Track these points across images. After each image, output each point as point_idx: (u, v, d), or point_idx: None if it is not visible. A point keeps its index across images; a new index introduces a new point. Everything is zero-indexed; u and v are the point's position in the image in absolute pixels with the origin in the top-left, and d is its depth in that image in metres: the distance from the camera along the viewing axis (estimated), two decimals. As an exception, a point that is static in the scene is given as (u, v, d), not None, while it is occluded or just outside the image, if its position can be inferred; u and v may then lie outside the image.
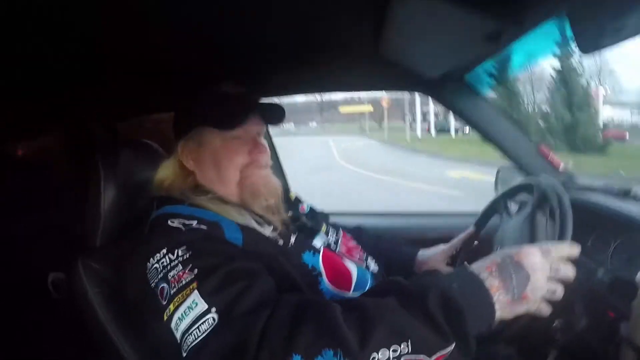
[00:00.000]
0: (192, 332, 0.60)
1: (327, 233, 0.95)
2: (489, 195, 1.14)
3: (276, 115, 0.88)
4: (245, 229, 0.75)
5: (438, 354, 0.55)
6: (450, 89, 1.29)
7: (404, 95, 18.54)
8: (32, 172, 1.84)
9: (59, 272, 1.46)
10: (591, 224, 0.94)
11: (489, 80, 1.28)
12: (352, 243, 1.00)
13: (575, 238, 0.79)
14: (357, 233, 1.09)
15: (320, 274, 0.79)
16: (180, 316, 0.61)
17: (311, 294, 0.76)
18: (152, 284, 0.67)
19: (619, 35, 0.61)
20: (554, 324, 0.84)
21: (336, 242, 0.94)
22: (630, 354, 0.67)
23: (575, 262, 0.93)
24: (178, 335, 0.62)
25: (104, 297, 0.82)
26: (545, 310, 0.64)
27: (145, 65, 1.02)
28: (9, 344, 1.44)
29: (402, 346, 0.54)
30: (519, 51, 0.99)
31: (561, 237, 0.78)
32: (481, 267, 0.62)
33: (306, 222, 0.94)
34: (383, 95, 19.13)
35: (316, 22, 0.83)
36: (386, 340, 0.54)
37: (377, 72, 1.24)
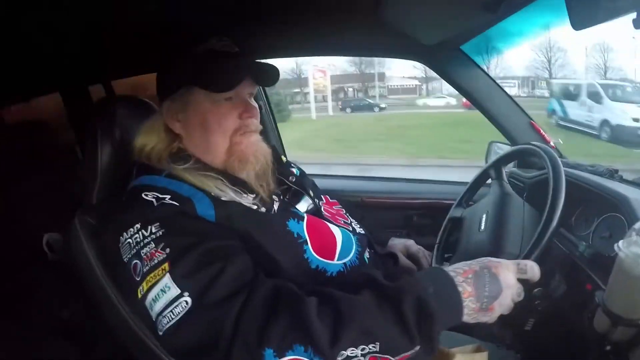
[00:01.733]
0: (166, 314, 0.60)
1: (312, 198, 0.93)
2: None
3: (270, 76, 0.83)
4: (219, 204, 0.72)
5: (402, 355, 0.58)
6: (446, 58, 1.28)
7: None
8: (29, 133, 1.81)
9: (54, 233, 1.47)
10: (577, 200, 0.96)
11: (485, 51, 1.28)
12: (336, 207, 0.99)
13: (561, 213, 0.81)
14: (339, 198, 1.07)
15: (305, 241, 0.77)
16: (154, 297, 0.62)
17: (296, 262, 0.75)
18: (125, 259, 0.67)
19: (612, 12, 0.60)
20: (534, 292, 0.86)
21: (320, 207, 0.92)
22: (605, 320, 0.69)
23: (558, 235, 0.96)
24: (153, 315, 0.63)
25: (100, 252, 0.82)
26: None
27: (139, 23, 0.99)
28: (5, 305, 1.46)
29: (370, 346, 0.56)
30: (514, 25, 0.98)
31: (552, 204, 0.79)
32: (458, 271, 0.63)
33: (291, 186, 0.92)
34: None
35: None
36: (356, 339, 0.56)
37: (375, 38, 1.23)
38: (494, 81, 1.34)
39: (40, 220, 1.46)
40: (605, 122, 10.04)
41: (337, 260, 0.81)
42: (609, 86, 10.61)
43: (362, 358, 0.56)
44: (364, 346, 0.56)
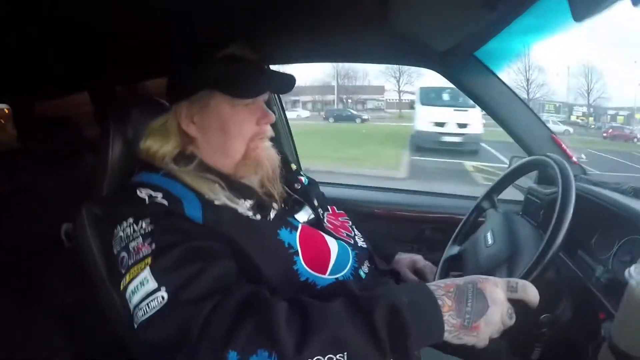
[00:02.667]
0: (142, 307, 0.61)
1: (315, 208, 0.91)
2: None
3: (287, 84, 0.84)
4: (208, 207, 0.72)
5: None
6: (459, 65, 1.23)
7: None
8: (60, 130, 1.90)
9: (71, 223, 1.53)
10: (597, 221, 0.91)
11: (501, 58, 1.23)
12: (342, 219, 0.97)
13: (580, 234, 0.76)
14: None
15: (296, 252, 0.76)
16: (133, 289, 0.63)
17: (283, 273, 0.74)
18: (115, 251, 0.69)
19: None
20: (541, 318, 0.81)
21: (322, 218, 0.90)
22: (609, 356, 0.63)
23: (574, 257, 0.91)
24: (131, 307, 0.64)
25: (101, 241, 0.84)
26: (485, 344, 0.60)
27: (160, 29, 1.03)
28: (24, 291, 1.53)
29: (337, 356, 0.54)
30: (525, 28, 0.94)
31: (559, 219, 0.74)
32: (438, 285, 0.60)
33: (293, 195, 0.91)
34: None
35: None
36: (324, 348, 0.54)
37: (385, 44, 1.21)
38: (512, 91, 1.27)
39: (65, 211, 1.52)
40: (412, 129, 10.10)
41: (329, 274, 0.79)
42: (441, 90, 9.84)
43: None
44: (331, 355, 0.54)
